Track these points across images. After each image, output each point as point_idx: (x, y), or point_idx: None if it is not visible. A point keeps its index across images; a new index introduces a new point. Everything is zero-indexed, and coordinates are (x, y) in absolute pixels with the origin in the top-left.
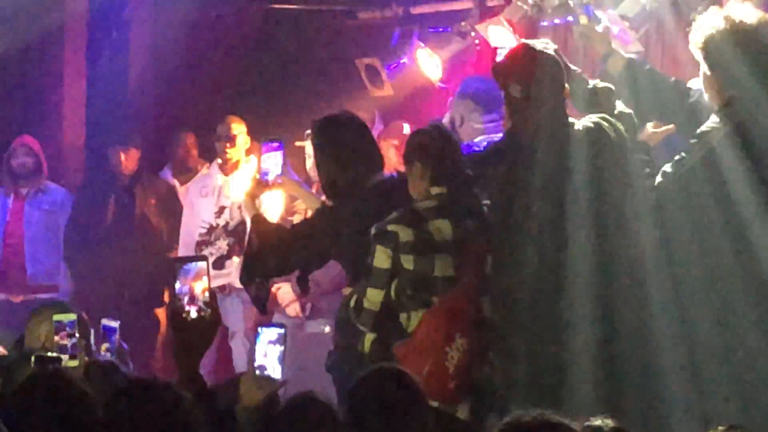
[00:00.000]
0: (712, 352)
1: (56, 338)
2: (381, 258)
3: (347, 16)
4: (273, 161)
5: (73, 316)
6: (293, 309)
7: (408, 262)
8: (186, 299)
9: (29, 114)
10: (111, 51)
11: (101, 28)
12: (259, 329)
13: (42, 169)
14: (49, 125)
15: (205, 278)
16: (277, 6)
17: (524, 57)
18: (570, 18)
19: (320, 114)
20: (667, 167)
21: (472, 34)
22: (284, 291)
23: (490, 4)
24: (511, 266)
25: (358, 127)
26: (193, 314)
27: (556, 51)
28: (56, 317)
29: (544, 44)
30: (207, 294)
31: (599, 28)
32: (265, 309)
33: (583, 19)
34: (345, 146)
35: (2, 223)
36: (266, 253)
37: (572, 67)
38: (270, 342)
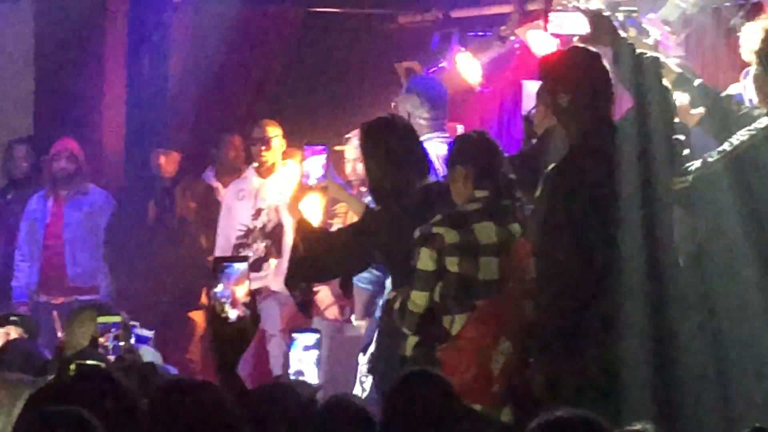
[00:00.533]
0: (757, 348)
1: (101, 340)
2: (425, 260)
3: (387, 19)
4: (316, 165)
5: (117, 318)
6: (332, 312)
7: (453, 264)
8: (227, 302)
9: (69, 116)
10: (151, 54)
11: (141, 31)
12: (294, 335)
13: (82, 172)
14: (89, 127)
15: (246, 282)
16: (317, 9)
17: (574, 64)
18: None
19: (359, 117)
20: (709, 156)
21: (512, 38)
22: (323, 294)
23: (530, 8)
24: (555, 270)
25: (405, 131)
26: (233, 316)
27: (603, 17)
28: (101, 319)
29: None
30: (248, 297)
31: (648, 41)
32: (309, 312)
33: (632, 32)
34: (392, 149)
35: (42, 226)
36: (311, 256)
37: (621, 33)
38: (305, 347)
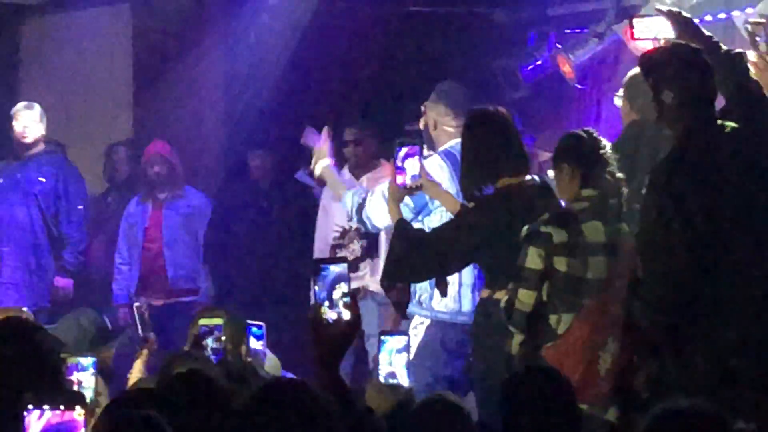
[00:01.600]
0: None
1: (204, 342)
2: (534, 259)
3: (483, 17)
4: (411, 164)
5: (219, 321)
6: None
7: (561, 263)
8: (326, 304)
9: (169, 118)
10: (249, 55)
11: (239, 31)
12: (383, 337)
13: (177, 175)
14: (188, 129)
15: (344, 283)
16: (412, 8)
17: (678, 61)
18: (708, 18)
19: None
20: None
21: (609, 35)
22: None
23: (626, 4)
24: (664, 268)
25: (505, 125)
26: (332, 318)
27: (686, 18)
28: (202, 321)
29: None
30: (347, 298)
31: None
32: (406, 313)
33: (762, 47)
34: (488, 143)
35: (141, 229)
36: (408, 256)
37: (706, 32)
38: (395, 351)
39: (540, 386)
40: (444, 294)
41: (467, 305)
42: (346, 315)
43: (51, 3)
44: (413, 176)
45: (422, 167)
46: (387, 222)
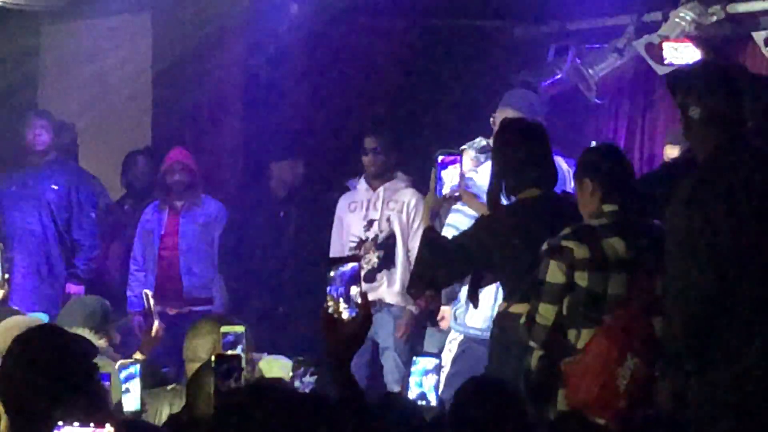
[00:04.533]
0: None
1: (231, 352)
2: (555, 273)
3: (503, 31)
4: (450, 174)
5: (240, 329)
6: (446, 323)
7: (582, 279)
8: (341, 300)
9: (187, 127)
10: (268, 65)
11: (258, 42)
12: (415, 358)
13: (197, 184)
14: (207, 138)
15: (358, 282)
16: (433, 21)
17: (706, 78)
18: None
19: (474, 129)
20: None
21: (629, 50)
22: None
23: (646, 20)
24: (688, 286)
25: (535, 137)
26: (346, 315)
27: (716, 49)
28: (225, 329)
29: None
30: (360, 298)
31: None
32: (435, 321)
33: None
34: (514, 154)
35: (158, 236)
36: (432, 263)
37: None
38: (426, 372)
39: (489, 401)
40: (476, 306)
41: None
42: (358, 314)
43: (70, 10)
44: (452, 187)
45: (462, 178)
46: None
